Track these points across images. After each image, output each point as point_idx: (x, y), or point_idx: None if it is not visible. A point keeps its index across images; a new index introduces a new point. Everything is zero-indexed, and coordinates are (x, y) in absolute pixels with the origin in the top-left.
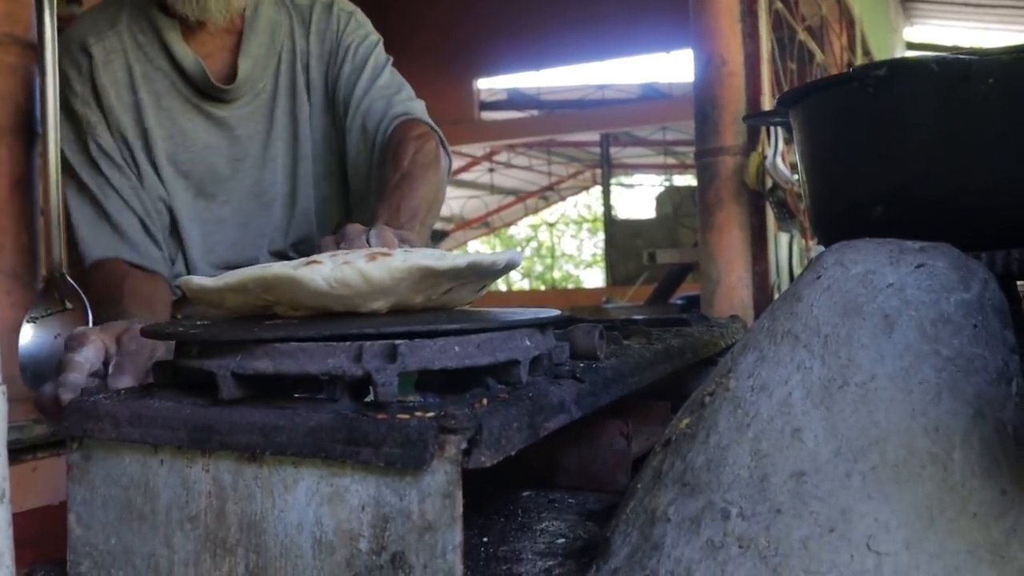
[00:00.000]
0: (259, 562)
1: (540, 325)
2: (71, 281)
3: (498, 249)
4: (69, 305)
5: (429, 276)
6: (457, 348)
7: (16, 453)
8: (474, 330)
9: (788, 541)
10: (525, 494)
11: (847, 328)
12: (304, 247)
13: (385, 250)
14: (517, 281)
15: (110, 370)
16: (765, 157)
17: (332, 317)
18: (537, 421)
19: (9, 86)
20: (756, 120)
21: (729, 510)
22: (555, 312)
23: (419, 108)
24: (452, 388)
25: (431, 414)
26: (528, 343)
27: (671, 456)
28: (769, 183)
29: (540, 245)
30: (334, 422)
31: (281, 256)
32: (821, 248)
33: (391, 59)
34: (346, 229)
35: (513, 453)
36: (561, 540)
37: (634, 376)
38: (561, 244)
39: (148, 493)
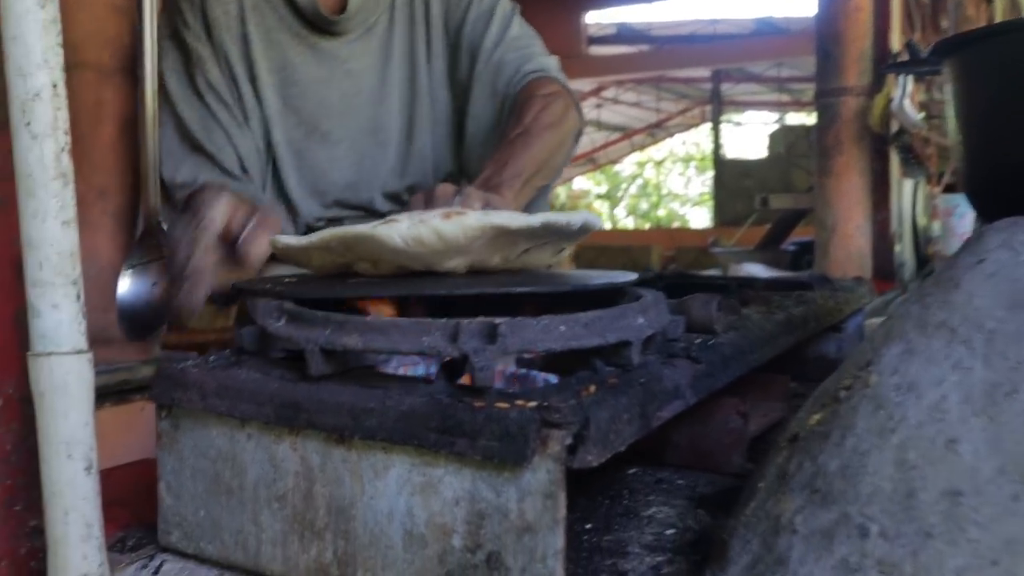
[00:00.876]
0: (347, 549)
1: (645, 298)
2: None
3: (603, 186)
4: (165, 254)
5: (503, 235)
6: (563, 328)
7: (123, 394)
8: (552, 293)
9: (940, 572)
10: (631, 471)
11: (1017, 324)
12: (419, 191)
13: (461, 209)
14: (622, 219)
15: (244, 234)
16: (891, 99)
17: (410, 276)
18: (649, 410)
19: (114, 26)
20: (899, 69)
21: (868, 527)
22: (632, 276)
23: (553, 65)
24: (556, 367)
25: (533, 404)
26: (641, 321)
27: (799, 455)
28: (895, 127)
29: (646, 183)
30: (427, 408)
31: (395, 199)
32: (954, 201)
33: (518, 7)
34: (436, 189)
35: (622, 448)
36: (670, 531)
37: (754, 353)
38: (667, 182)
39: (236, 468)
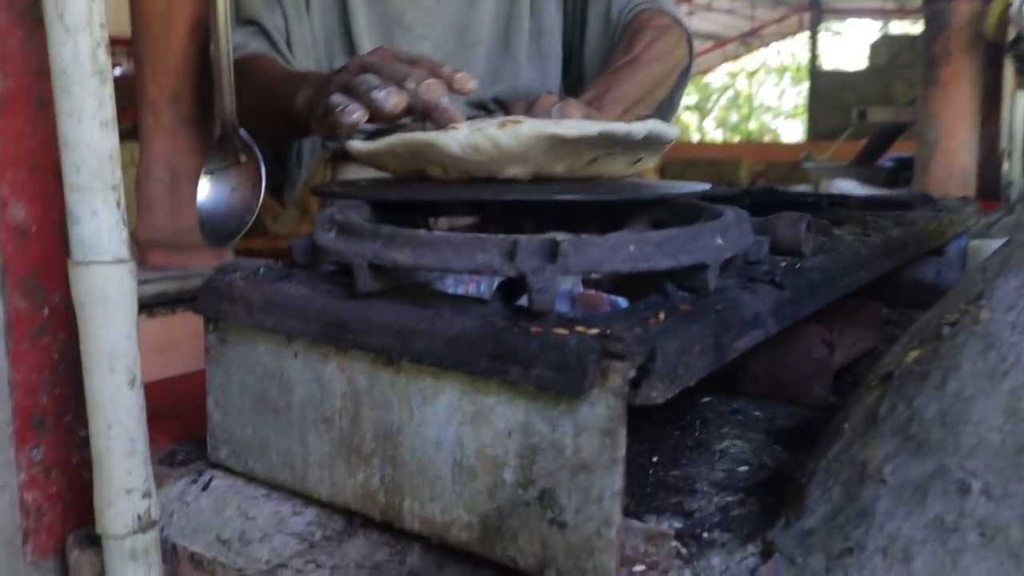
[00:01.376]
0: (395, 477)
1: (725, 216)
2: (244, 134)
3: (693, 97)
4: (243, 158)
5: (560, 144)
6: (632, 248)
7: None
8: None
9: None
10: (704, 400)
11: None
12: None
13: (520, 117)
14: (711, 132)
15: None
16: (1010, 4)
17: (472, 183)
18: (724, 341)
19: None
20: None
21: (969, 483)
22: (706, 186)
23: None
24: (626, 290)
25: (595, 331)
26: (720, 242)
27: (891, 397)
28: (1011, 34)
29: (737, 94)
30: (479, 332)
31: (480, 107)
32: None
33: None
34: (539, 98)
35: (692, 384)
36: (743, 468)
37: (845, 278)
38: (760, 94)
39: (283, 386)
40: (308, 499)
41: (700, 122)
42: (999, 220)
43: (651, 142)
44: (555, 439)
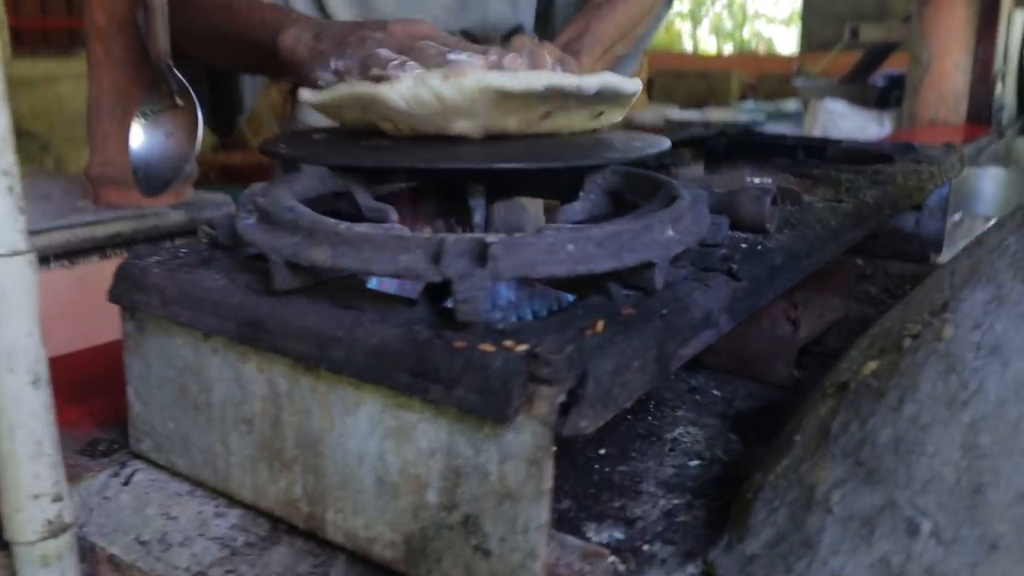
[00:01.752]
0: (317, 487)
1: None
2: (179, 74)
3: (686, 4)
4: (179, 101)
5: (505, 98)
6: (571, 247)
7: (153, 241)
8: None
9: None
10: None
11: None
12: (478, 37)
13: (469, 63)
14: (704, 40)
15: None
16: None
17: (419, 140)
18: (669, 350)
19: None
20: None
21: (919, 523)
22: (666, 145)
23: None
24: (569, 284)
25: (523, 347)
26: (670, 234)
27: (846, 412)
28: None
29: (731, 1)
30: (400, 344)
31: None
32: None
33: None
34: (513, 40)
35: (629, 405)
36: (694, 463)
37: (812, 256)
38: (754, 1)
39: (202, 383)
40: (232, 499)
41: (693, 30)
42: (989, 146)
43: (606, 96)
44: (479, 464)
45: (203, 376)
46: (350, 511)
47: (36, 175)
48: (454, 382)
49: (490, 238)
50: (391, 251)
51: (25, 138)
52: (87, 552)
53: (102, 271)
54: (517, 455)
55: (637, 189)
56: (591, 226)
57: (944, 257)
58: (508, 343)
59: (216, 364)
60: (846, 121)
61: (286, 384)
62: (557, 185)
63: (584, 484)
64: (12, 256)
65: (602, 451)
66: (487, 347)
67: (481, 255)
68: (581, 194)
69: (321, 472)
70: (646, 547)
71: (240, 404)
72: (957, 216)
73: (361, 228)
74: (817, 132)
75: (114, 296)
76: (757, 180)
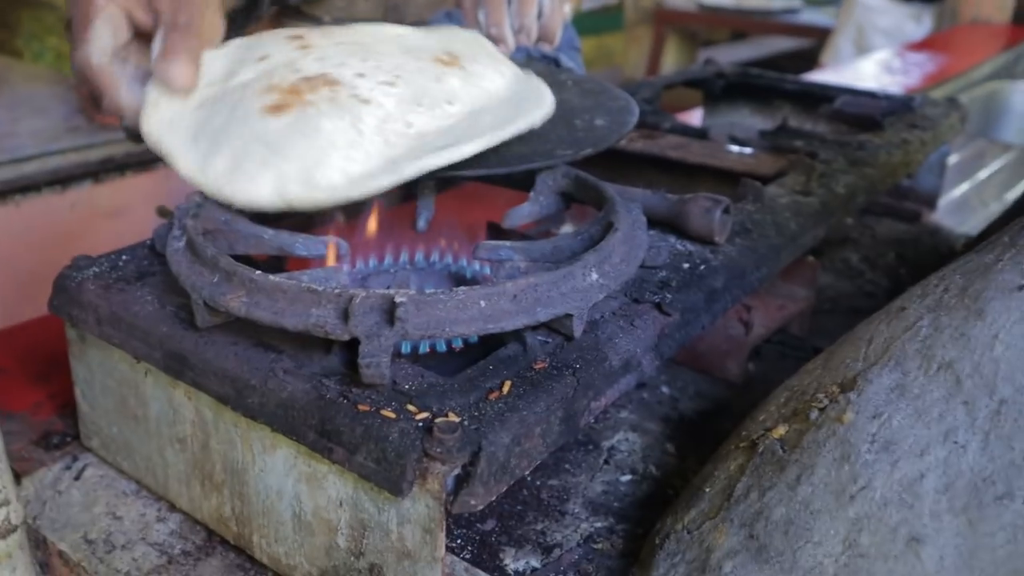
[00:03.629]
0: (244, 511)
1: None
2: None
3: None
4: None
5: None
6: (483, 304)
7: (148, 164)
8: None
9: None
10: None
11: None
12: None
13: None
14: None
15: (155, 51)
16: None
17: None
18: (579, 407)
19: None
20: None
21: None
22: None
23: None
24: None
25: (424, 415)
26: (594, 278)
27: (750, 475)
28: None
29: None
30: (308, 400)
31: None
32: None
33: None
34: None
35: (527, 472)
36: (626, 478)
37: (761, 269)
38: None
39: (139, 398)
40: (172, 505)
41: None
42: None
43: None
44: (381, 522)
45: (139, 392)
46: (273, 538)
47: (33, 79)
48: (355, 448)
49: (399, 297)
50: (304, 304)
51: (44, 8)
52: (40, 543)
53: (95, 195)
54: (413, 521)
55: (585, 196)
56: (506, 284)
57: (940, 216)
58: (411, 407)
59: (150, 384)
60: (883, 18)
61: (212, 415)
62: (510, 178)
63: (513, 500)
64: None
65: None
66: (388, 413)
67: (389, 313)
68: (531, 194)
69: (247, 499)
70: None
71: (173, 424)
72: (964, 153)
73: (275, 278)
74: (850, 29)
75: (53, 307)
76: (706, 195)
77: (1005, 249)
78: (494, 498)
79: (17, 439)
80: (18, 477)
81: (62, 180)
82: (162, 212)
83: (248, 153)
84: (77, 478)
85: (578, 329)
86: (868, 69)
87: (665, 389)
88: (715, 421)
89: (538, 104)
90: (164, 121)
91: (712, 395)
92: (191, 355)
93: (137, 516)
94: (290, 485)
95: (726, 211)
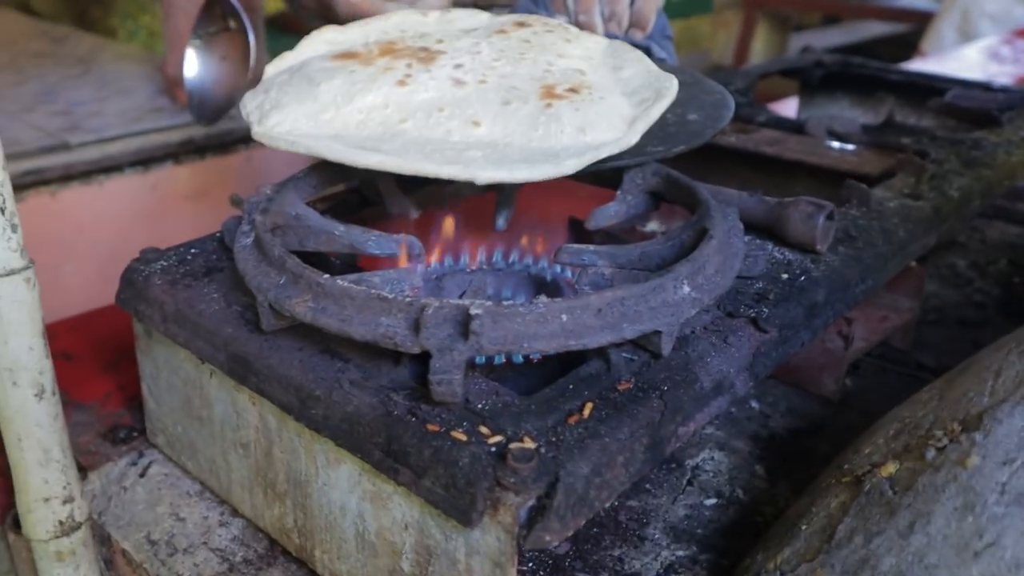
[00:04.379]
0: (306, 524)
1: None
2: None
3: None
4: (232, 24)
5: None
6: (565, 318)
7: (226, 146)
8: None
9: None
10: None
11: None
12: None
13: None
14: None
15: None
16: None
17: None
18: (666, 434)
19: None
20: None
21: None
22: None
23: None
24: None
25: (498, 439)
26: (686, 290)
27: (855, 516)
28: None
29: None
30: (374, 416)
31: None
32: None
33: None
34: None
35: (607, 505)
36: (711, 502)
37: (867, 281)
38: None
39: (203, 399)
40: (235, 509)
41: None
42: None
43: None
44: (448, 550)
45: (204, 393)
46: (335, 554)
47: (123, 58)
48: (423, 471)
49: (475, 308)
50: (372, 312)
51: None
52: (105, 540)
53: (176, 177)
54: (483, 553)
55: (676, 196)
56: (591, 293)
57: None
58: (483, 429)
59: (214, 385)
60: (991, 2)
61: (275, 423)
62: (597, 174)
63: (589, 522)
64: (8, 276)
65: None
66: (459, 435)
67: (464, 325)
68: (619, 193)
69: (309, 512)
70: None
71: (237, 428)
72: None
73: (344, 283)
74: (954, 14)
75: (120, 301)
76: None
77: None
78: (570, 534)
79: (85, 431)
80: (85, 471)
81: (144, 161)
82: (235, 202)
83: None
84: (142, 475)
85: (667, 347)
86: (973, 57)
87: (755, 404)
88: (808, 441)
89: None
90: None
91: (806, 412)
92: (255, 359)
93: (200, 519)
94: (354, 502)
95: (830, 217)
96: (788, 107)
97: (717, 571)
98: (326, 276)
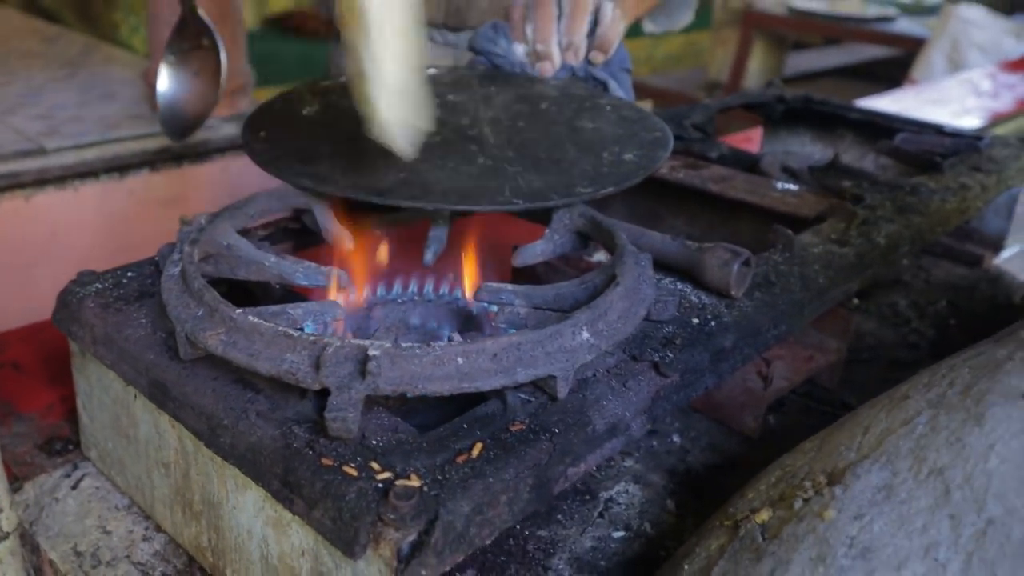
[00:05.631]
0: (219, 544)
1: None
2: (202, 16)
3: None
4: (205, 42)
5: None
6: (461, 361)
7: (203, 155)
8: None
9: None
10: None
11: None
12: None
13: None
14: None
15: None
16: None
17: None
18: (553, 474)
19: None
20: None
21: None
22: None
23: None
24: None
25: (386, 475)
26: (585, 336)
27: (728, 561)
28: None
29: None
30: (275, 448)
31: None
32: None
33: None
34: None
35: (488, 542)
36: (619, 534)
37: (779, 327)
38: None
39: (130, 418)
40: (159, 525)
41: None
42: None
43: None
44: None
45: (130, 412)
46: (243, 575)
47: (111, 62)
48: (314, 503)
49: (373, 349)
50: (278, 348)
51: None
52: (35, 549)
53: (152, 184)
54: None
55: (600, 238)
56: (486, 342)
57: (1005, 261)
58: (374, 465)
59: (139, 407)
60: (980, 32)
61: (192, 446)
62: (529, 211)
63: (496, 549)
64: None
65: None
66: (350, 470)
67: (362, 364)
68: (547, 231)
69: (221, 533)
70: None
71: (159, 448)
72: None
73: (254, 318)
74: (944, 42)
75: (56, 321)
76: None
77: (1019, 347)
78: (447, 568)
79: (23, 441)
80: (20, 481)
81: (120, 167)
82: (183, 222)
83: None
84: (75, 487)
85: (562, 391)
86: (953, 92)
87: (676, 438)
88: (725, 477)
89: None
90: None
91: (726, 448)
92: (173, 386)
93: (125, 532)
94: (259, 527)
95: (746, 263)
96: (756, 139)
97: None
98: (239, 311)
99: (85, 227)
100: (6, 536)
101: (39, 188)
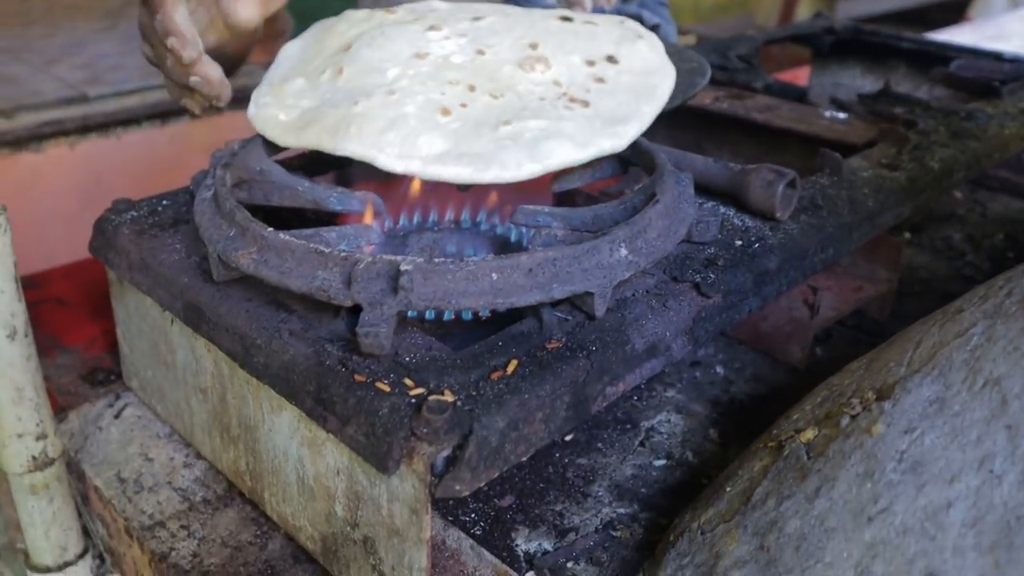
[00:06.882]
0: (256, 467)
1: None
2: None
3: None
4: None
5: None
6: (495, 276)
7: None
8: None
9: None
10: None
11: None
12: None
13: None
14: None
15: None
16: None
17: None
18: (591, 392)
19: None
20: None
21: None
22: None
23: None
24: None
25: (420, 391)
26: (623, 253)
27: (771, 480)
28: None
29: None
30: (308, 365)
31: None
32: None
33: None
34: None
35: (524, 459)
36: (660, 463)
37: (826, 251)
38: None
39: (168, 345)
40: (199, 452)
41: None
42: None
43: None
44: (373, 496)
45: (168, 339)
46: (281, 498)
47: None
48: (347, 419)
49: (405, 264)
50: (309, 266)
51: None
52: (81, 476)
53: (192, 131)
54: (401, 500)
55: (639, 161)
56: (521, 256)
57: None
58: (408, 381)
59: (176, 332)
60: None
61: (227, 369)
62: None
63: (536, 477)
64: None
65: (569, 437)
66: (383, 386)
67: (394, 280)
68: None
69: (258, 456)
70: (569, 564)
71: (196, 374)
72: None
73: (285, 236)
74: None
75: (92, 249)
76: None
77: None
78: (482, 484)
79: (67, 373)
80: (64, 410)
81: (161, 114)
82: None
83: None
84: (117, 416)
85: (600, 308)
86: (1014, 27)
87: (720, 369)
88: (768, 407)
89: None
90: None
91: (770, 379)
92: (207, 308)
93: (167, 459)
94: (294, 448)
95: (791, 185)
96: (803, 76)
97: (655, 529)
98: (270, 229)
99: (128, 173)
100: (52, 462)
101: (83, 135)
